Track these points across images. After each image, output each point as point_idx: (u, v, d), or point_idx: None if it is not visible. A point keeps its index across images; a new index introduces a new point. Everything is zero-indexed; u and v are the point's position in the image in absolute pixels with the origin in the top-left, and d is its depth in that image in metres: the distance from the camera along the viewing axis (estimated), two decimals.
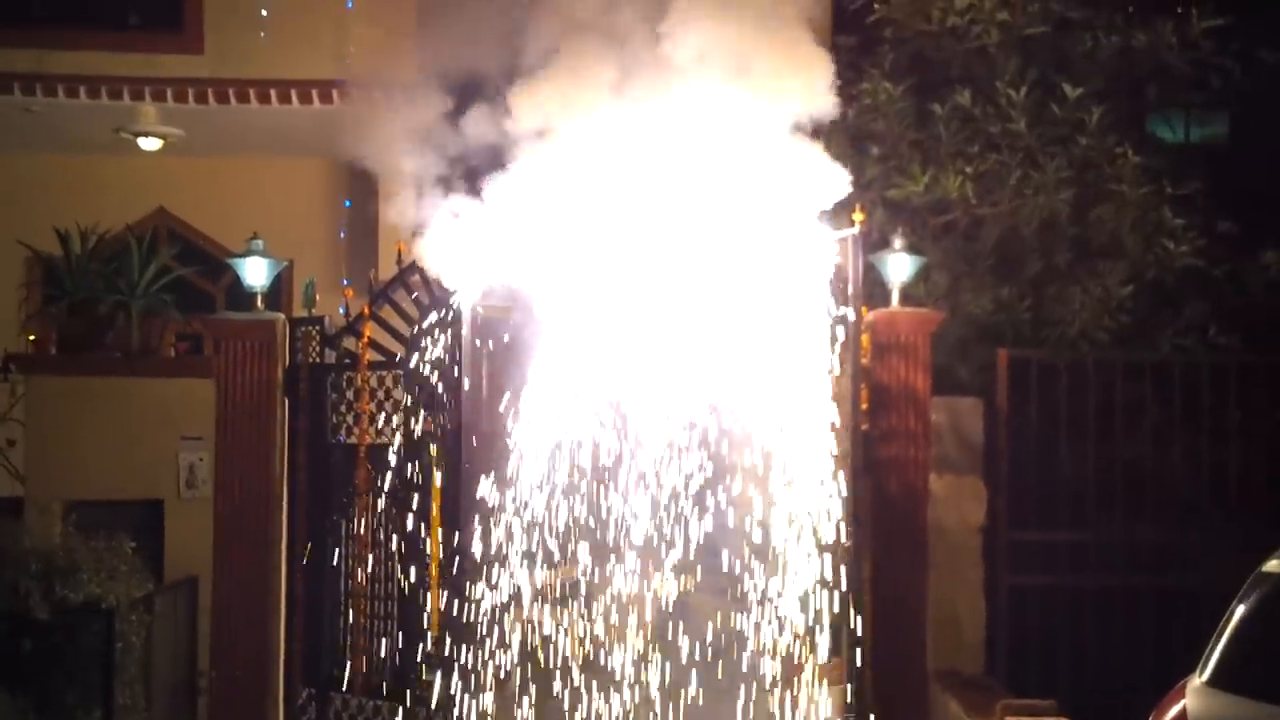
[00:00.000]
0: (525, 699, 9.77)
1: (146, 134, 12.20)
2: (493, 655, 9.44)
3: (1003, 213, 10.45)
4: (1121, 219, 10.30)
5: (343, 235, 12.81)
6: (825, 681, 9.60)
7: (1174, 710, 6.35)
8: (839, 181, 8.30)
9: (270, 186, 13.41)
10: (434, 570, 8.83)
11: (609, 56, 8.07)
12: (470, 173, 8.48)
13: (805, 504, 8.82)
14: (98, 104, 11.83)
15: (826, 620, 8.86)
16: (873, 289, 9.60)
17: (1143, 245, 10.27)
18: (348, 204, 12.64)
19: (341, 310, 9.76)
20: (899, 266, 9.58)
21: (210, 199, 13.55)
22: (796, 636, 9.11)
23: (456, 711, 8.59)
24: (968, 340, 10.31)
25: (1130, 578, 9.56)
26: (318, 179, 13.55)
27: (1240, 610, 6.44)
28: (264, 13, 11.53)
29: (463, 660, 8.64)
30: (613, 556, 9.48)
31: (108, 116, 12.02)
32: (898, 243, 9.56)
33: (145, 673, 8.28)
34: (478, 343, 8.81)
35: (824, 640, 9.35)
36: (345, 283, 10.51)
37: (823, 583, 8.98)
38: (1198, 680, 6.37)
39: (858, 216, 8.85)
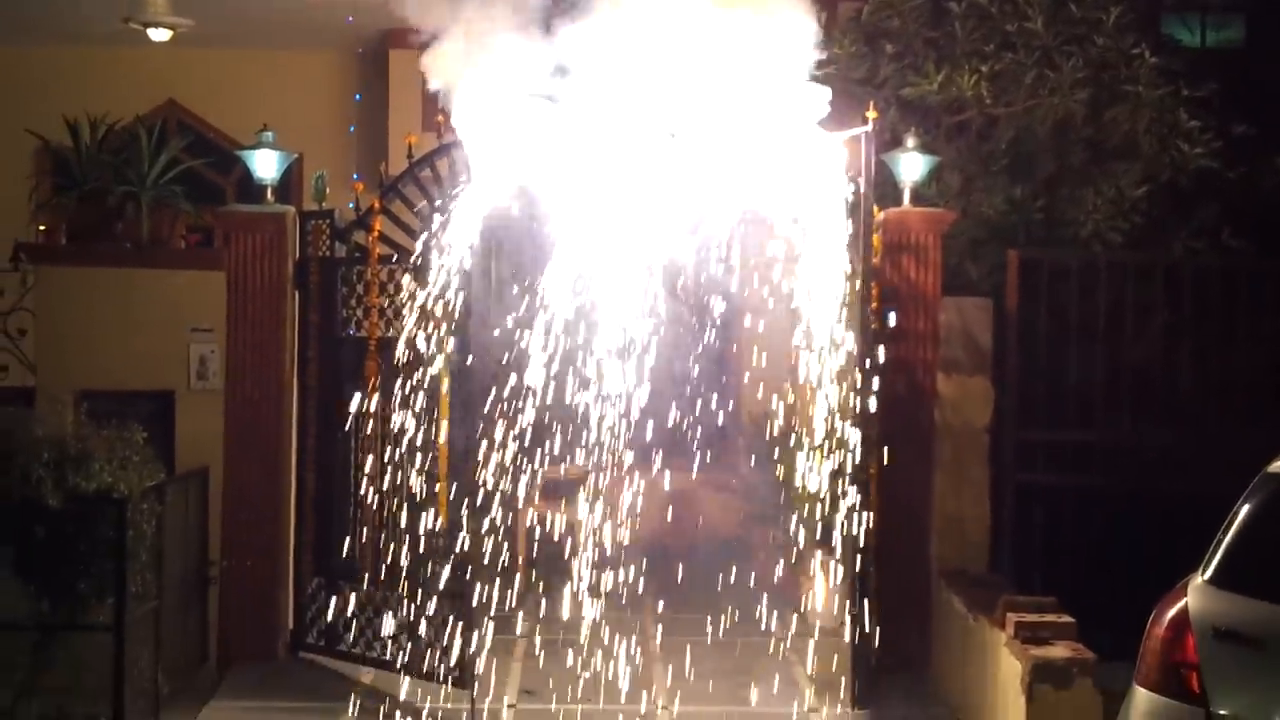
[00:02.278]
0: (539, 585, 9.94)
1: (155, 24, 12.06)
2: (499, 547, 9.59)
3: (1017, 113, 10.36)
4: (1137, 120, 10.21)
5: (352, 129, 12.74)
6: (831, 576, 9.74)
7: (1175, 608, 6.37)
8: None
9: (282, 79, 13.33)
10: (442, 463, 8.89)
11: None
12: (489, 65, 8.40)
13: (814, 400, 8.90)
14: None
15: (836, 518, 8.97)
16: (885, 189, 9.57)
17: (1157, 147, 10.19)
18: (358, 98, 12.55)
19: (351, 205, 9.75)
20: (911, 166, 9.54)
21: (221, 92, 13.48)
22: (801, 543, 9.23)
23: (468, 597, 8.70)
24: (980, 241, 10.27)
25: (1136, 479, 9.58)
26: (330, 72, 13.48)
27: (1244, 510, 6.44)
28: None
29: (470, 550, 8.75)
30: (615, 451, 9.58)
31: (116, 5, 11.87)
32: (910, 142, 9.52)
33: (157, 562, 8.31)
34: (487, 238, 8.82)
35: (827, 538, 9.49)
36: (356, 177, 10.44)
37: (830, 479, 9.08)
38: (1200, 579, 6.39)
39: (870, 115, 8.78)
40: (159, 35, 12.29)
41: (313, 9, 11.90)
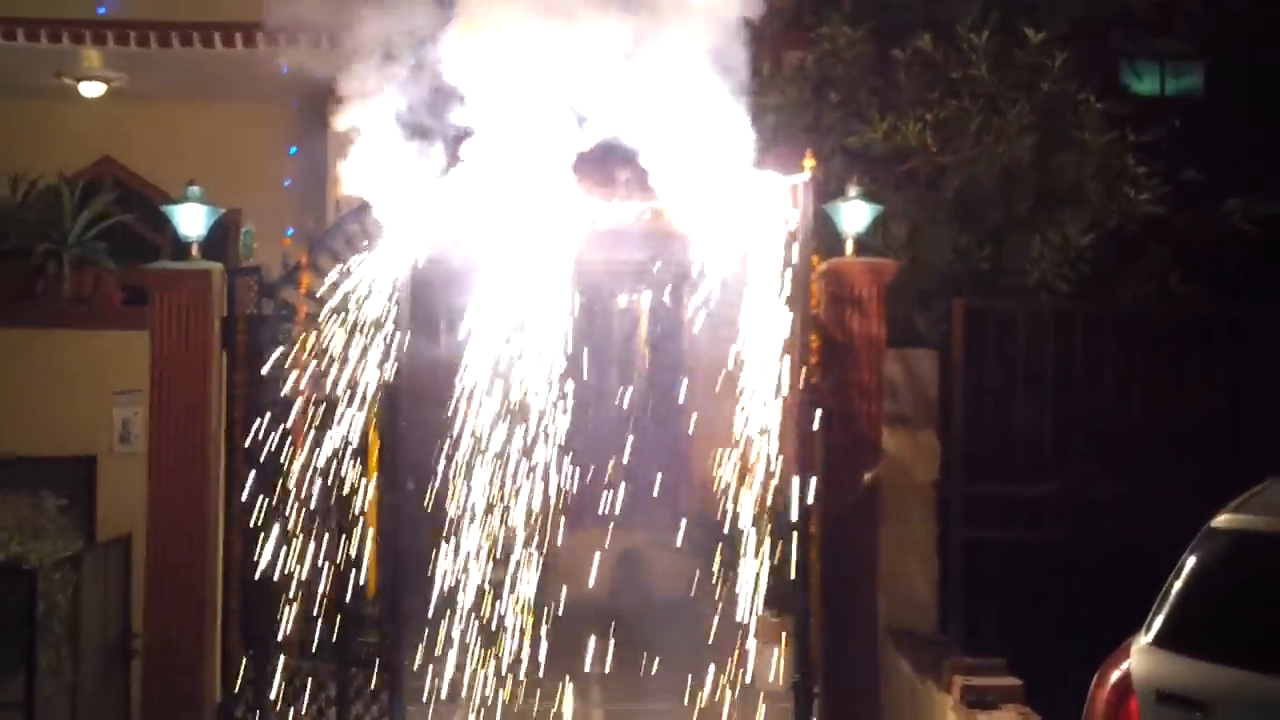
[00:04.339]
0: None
1: (89, 78, 11.87)
2: (440, 612, 9.30)
3: (963, 160, 10.18)
4: (1083, 166, 10.07)
5: (288, 183, 12.50)
6: (775, 640, 9.46)
7: (1118, 671, 6.16)
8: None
9: (220, 134, 13.05)
10: (372, 530, 8.61)
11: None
12: (413, 121, 8.25)
13: (752, 458, 8.66)
14: (36, 47, 11.46)
15: (772, 580, 8.73)
16: (830, 239, 9.36)
17: (1104, 193, 10.02)
18: (293, 151, 12.31)
19: (284, 262, 9.50)
20: (854, 215, 9.32)
21: (158, 147, 13.19)
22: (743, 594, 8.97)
23: (399, 671, 8.42)
24: (926, 291, 10.06)
25: (1087, 532, 9.35)
26: (270, 125, 13.24)
27: (1187, 567, 6.23)
28: None
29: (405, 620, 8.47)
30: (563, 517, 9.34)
31: (48, 60, 11.68)
32: (852, 191, 9.30)
33: (73, 634, 8.05)
34: (417, 293, 8.61)
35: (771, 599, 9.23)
36: (289, 232, 10.22)
37: (772, 540, 8.83)
38: (1143, 639, 6.17)
39: (808, 163, 8.59)
40: (92, 90, 12.11)
41: (249, 63, 11.69)
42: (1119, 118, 10.22)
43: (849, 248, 9.30)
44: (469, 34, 7.99)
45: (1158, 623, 6.17)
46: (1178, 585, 6.26)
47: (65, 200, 9.42)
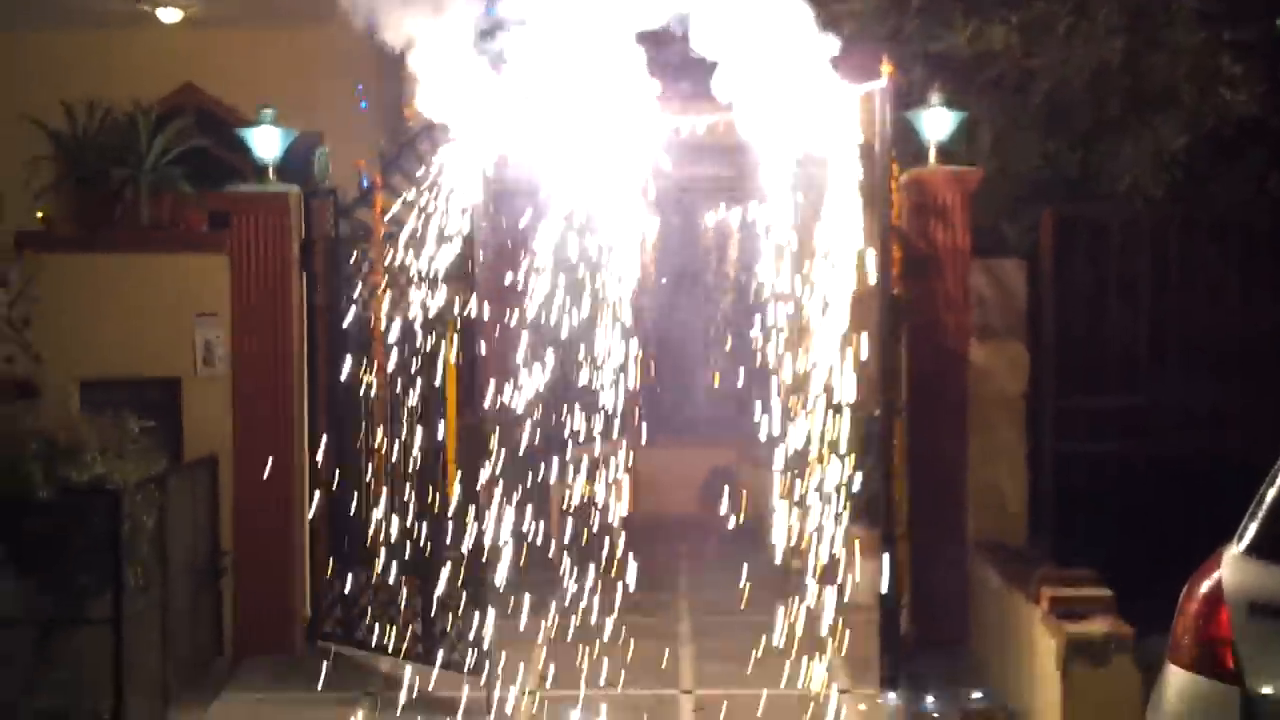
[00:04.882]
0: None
1: (165, 4, 11.85)
2: (523, 530, 9.30)
3: (1051, 63, 9.88)
4: (1176, 67, 9.72)
5: (364, 106, 12.43)
6: (865, 553, 9.36)
7: (1209, 581, 5.96)
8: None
9: (297, 58, 13.00)
10: (450, 445, 8.60)
11: None
12: (487, 33, 8.14)
13: (840, 371, 8.54)
14: None
15: (862, 493, 8.63)
16: (914, 148, 9.17)
17: (1198, 94, 9.68)
18: (359, 88, 12.23)
19: (360, 183, 9.47)
20: (936, 122, 9.12)
21: (238, 73, 13.17)
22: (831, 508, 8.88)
23: (484, 584, 8.42)
24: (1014, 199, 9.82)
25: (1183, 443, 9.14)
26: (346, 48, 13.13)
27: None
28: None
29: (488, 535, 8.46)
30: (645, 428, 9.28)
31: None
32: (934, 98, 9.09)
33: (161, 553, 8.08)
34: (492, 210, 8.53)
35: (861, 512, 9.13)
36: (366, 157, 10.15)
37: (860, 452, 8.72)
38: (1235, 549, 5.97)
39: (885, 68, 8.38)
40: (169, 16, 12.11)
41: None
42: (1213, 15, 9.85)
43: (932, 156, 9.10)
44: None
45: (1251, 531, 5.97)
46: (1271, 493, 6.06)
47: (141, 126, 9.39)
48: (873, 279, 8.43)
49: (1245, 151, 9.74)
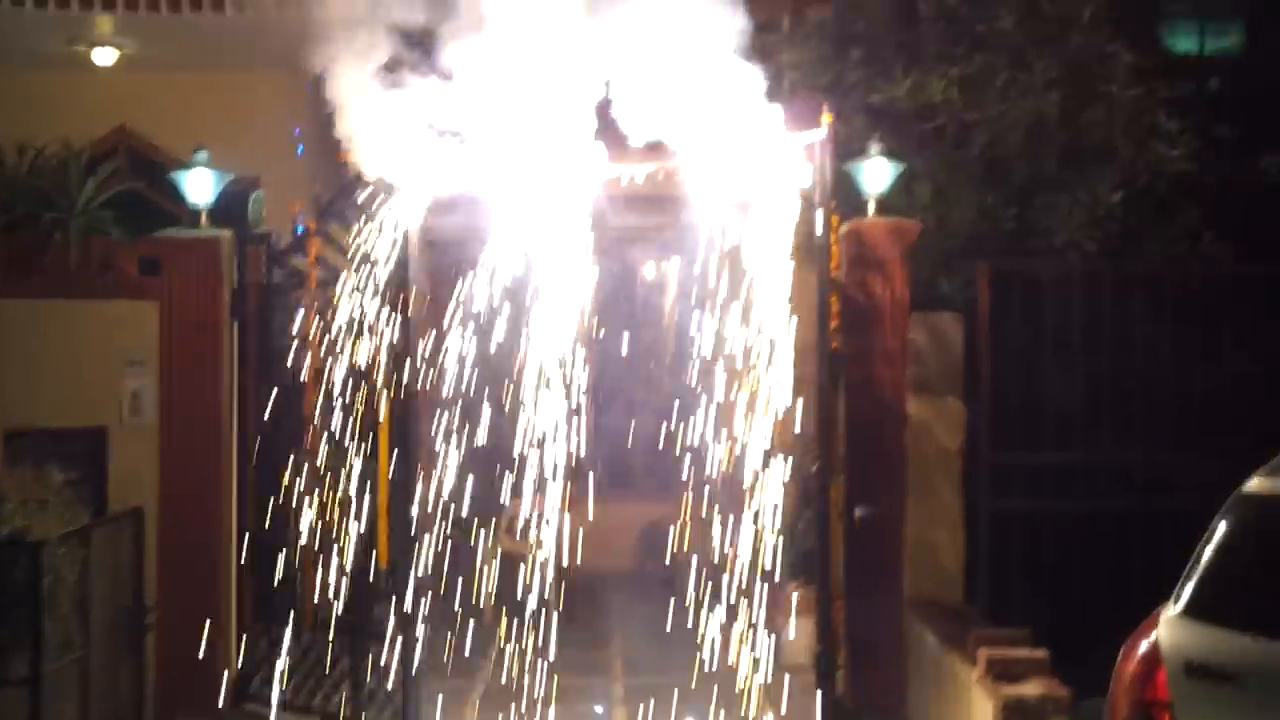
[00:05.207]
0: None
1: (100, 45, 11.68)
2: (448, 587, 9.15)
3: (989, 117, 9.90)
4: (1113, 122, 9.76)
5: (300, 152, 12.30)
6: (800, 611, 9.27)
7: (1146, 642, 5.92)
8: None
9: (234, 103, 12.82)
10: (383, 498, 8.46)
11: None
12: (420, 82, 8.05)
13: (774, 426, 8.46)
14: (44, 13, 11.27)
15: (796, 549, 8.54)
16: (852, 200, 9.13)
17: (1134, 150, 9.73)
18: (296, 131, 12.10)
19: (299, 229, 9.35)
20: (876, 174, 9.09)
21: (173, 116, 12.98)
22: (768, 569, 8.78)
23: (411, 644, 8.28)
24: (951, 252, 9.80)
25: (1118, 502, 9.11)
26: (283, 94, 13.02)
27: (1218, 535, 5.99)
28: None
29: (415, 592, 8.32)
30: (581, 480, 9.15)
31: (59, 27, 11.47)
32: (874, 149, 9.06)
33: (82, 608, 7.90)
34: (428, 257, 8.45)
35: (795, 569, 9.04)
36: (301, 201, 10.03)
37: (795, 509, 8.64)
38: (1172, 610, 5.93)
39: (825, 118, 8.35)
40: (104, 58, 11.93)
41: (260, 29, 11.48)
42: (1150, 71, 9.92)
43: (871, 208, 9.07)
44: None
45: (1187, 592, 5.94)
46: (1207, 553, 6.02)
47: (72, 168, 9.23)
48: (811, 331, 8.36)
49: (1180, 208, 9.78)
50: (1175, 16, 11.62)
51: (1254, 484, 6.03)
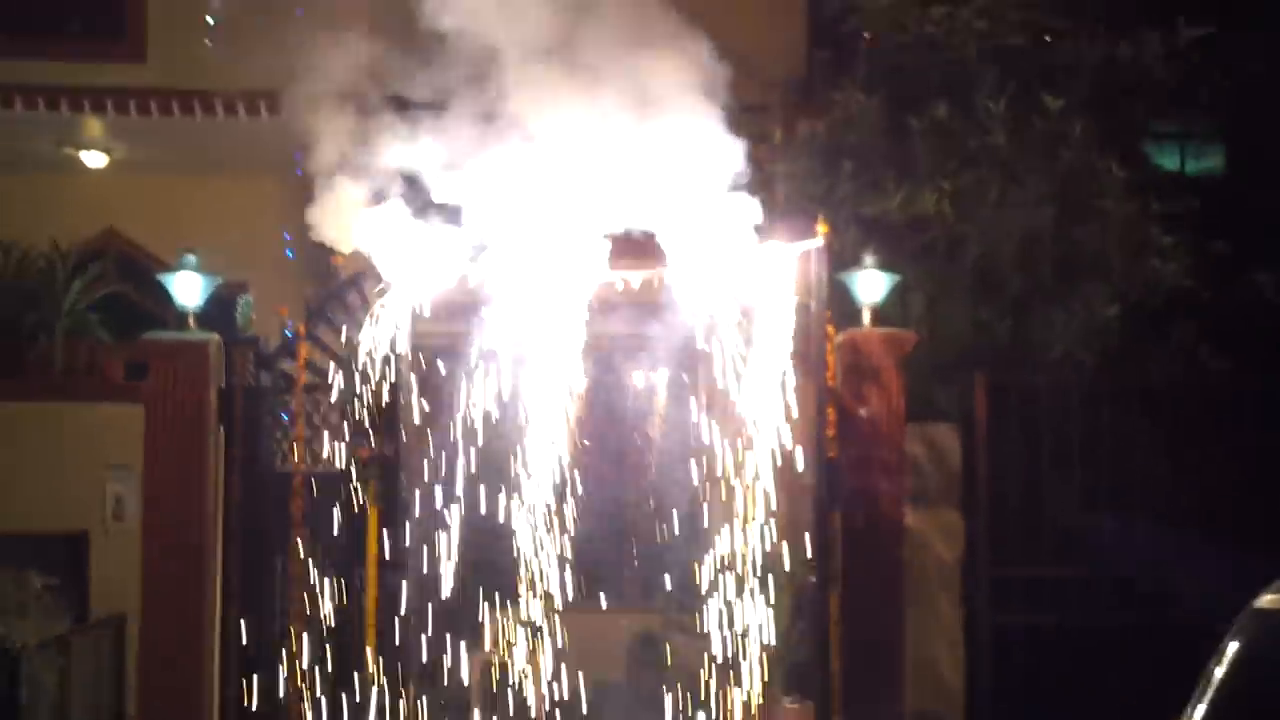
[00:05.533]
0: None
1: (90, 148, 11.66)
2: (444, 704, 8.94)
3: (982, 230, 9.89)
4: (1107, 237, 9.78)
5: (290, 255, 12.25)
6: None
7: None
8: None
9: (225, 206, 12.80)
10: (370, 608, 8.28)
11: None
12: (412, 187, 8.02)
13: (773, 537, 8.33)
14: (35, 115, 11.25)
15: (792, 664, 8.38)
16: (846, 311, 9.08)
17: (1129, 264, 9.74)
18: (287, 236, 12.06)
19: (288, 332, 9.24)
20: (870, 285, 9.03)
21: (162, 219, 12.93)
22: (763, 682, 8.62)
23: None
24: (946, 364, 9.74)
25: (1121, 614, 8.98)
26: (274, 197, 13.01)
27: (1230, 652, 5.84)
28: (210, 19, 10.96)
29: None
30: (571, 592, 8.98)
31: (49, 130, 11.46)
32: (868, 260, 9.01)
33: (61, 718, 7.68)
34: (419, 363, 8.35)
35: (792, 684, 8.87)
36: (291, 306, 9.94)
37: (790, 623, 8.50)
38: None
39: (821, 229, 8.33)
40: (94, 161, 11.91)
41: (253, 133, 11.47)
42: (1142, 187, 9.95)
43: (865, 318, 9.02)
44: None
45: (1199, 712, 5.79)
46: (1219, 671, 5.88)
47: (58, 269, 9.15)
48: (808, 442, 8.27)
49: (1176, 322, 9.76)
50: (1159, 138, 11.71)
51: (1267, 600, 5.91)
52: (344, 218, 8.12)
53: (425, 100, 7.81)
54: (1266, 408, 9.28)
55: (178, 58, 11.43)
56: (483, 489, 8.20)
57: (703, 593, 8.94)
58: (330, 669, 8.36)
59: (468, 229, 7.89)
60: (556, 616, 9.21)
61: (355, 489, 8.32)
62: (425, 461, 8.46)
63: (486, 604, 9.54)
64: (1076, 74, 10.26)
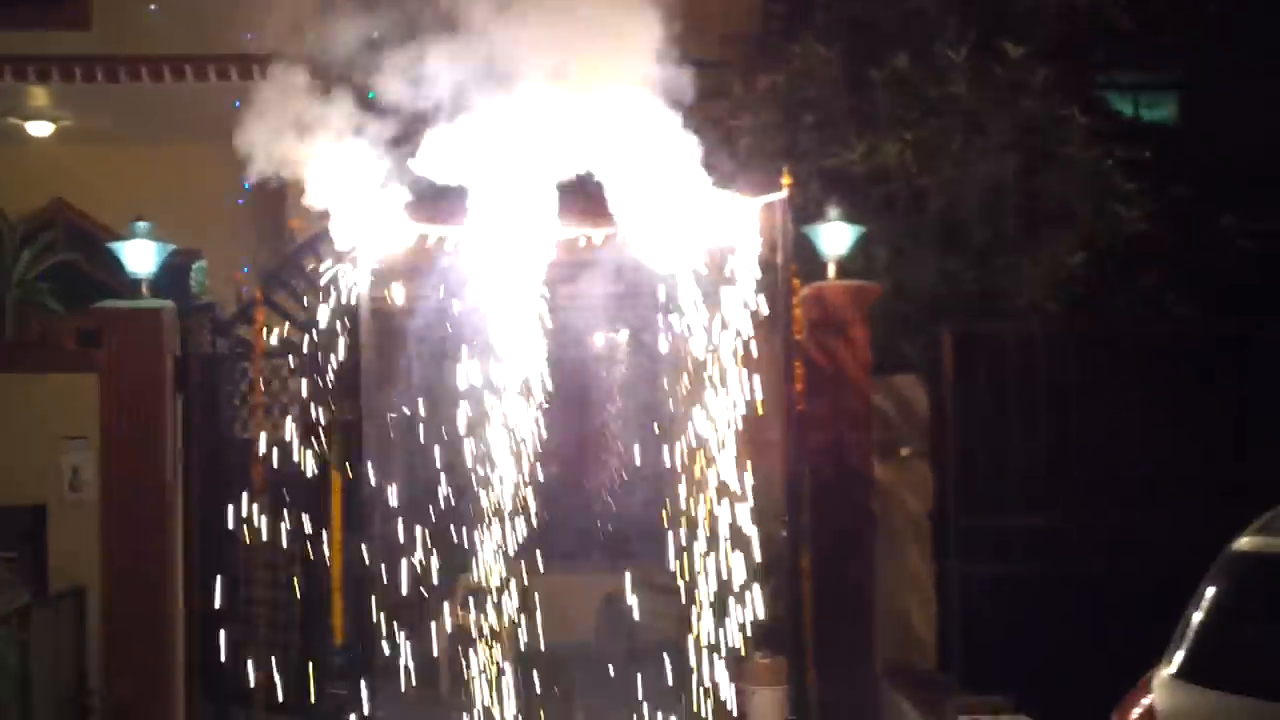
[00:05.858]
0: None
1: (36, 118, 11.43)
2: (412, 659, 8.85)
3: (945, 181, 9.80)
4: (1070, 184, 9.68)
5: (240, 203, 12.01)
6: (771, 682, 9.02)
7: (1139, 708, 5.74)
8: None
9: (175, 174, 12.58)
10: (335, 574, 8.16)
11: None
12: (370, 149, 7.85)
13: (741, 492, 8.25)
14: None
15: (765, 619, 8.31)
16: (810, 265, 8.99)
17: (1093, 211, 9.65)
18: (246, 186, 11.83)
19: (239, 299, 9.09)
20: (835, 238, 8.94)
21: (113, 189, 12.70)
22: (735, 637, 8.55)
23: None
24: (912, 316, 9.67)
25: (1091, 563, 8.92)
26: (225, 164, 12.77)
27: (1209, 595, 5.83)
28: None
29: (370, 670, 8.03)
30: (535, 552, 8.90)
31: None
32: (832, 213, 8.92)
33: (22, 692, 7.57)
34: (376, 325, 8.22)
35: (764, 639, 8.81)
36: (246, 270, 9.78)
37: (761, 577, 8.42)
38: (1165, 672, 5.76)
39: (785, 180, 8.22)
40: (40, 130, 11.69)
41: (200, 98, 11.26)
42: (1105, 134, 9.87)
43: (831, 270, 8.93)
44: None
45: (1179, 655, 5.77)
46: (1198, 615, 5.86)
47: (6, 240, 8.95)
48: (774, 395, 8.19)
49: (1142, 268, 9.71)
50: (1115, 87, 11.63)
51: (1244, 542, 5.89)
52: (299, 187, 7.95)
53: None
54: (1234, 353, 9.23)
55: (124, 23, 11.23)
56: (444, 451, 8.09)
57: (671, 551, 8.87)
58: (294, 634, 8.23)
59: (423, 179, 7.75)
60: (524, 576, 9.13)
61: (316, 453, 8.18)
62: (386, 424, 8.34)
63: (451, 565, 9.45)
64: (1037, 21, 10.16)
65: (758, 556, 8.92)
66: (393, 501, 8.55)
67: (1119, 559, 8.86)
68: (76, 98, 11.36)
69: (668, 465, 8.64)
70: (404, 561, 8.75)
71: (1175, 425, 9.08)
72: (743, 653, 8.96)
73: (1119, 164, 9.78)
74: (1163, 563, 8.29)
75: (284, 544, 8.31)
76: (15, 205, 11.22)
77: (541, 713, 9.15)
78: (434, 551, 9.03)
